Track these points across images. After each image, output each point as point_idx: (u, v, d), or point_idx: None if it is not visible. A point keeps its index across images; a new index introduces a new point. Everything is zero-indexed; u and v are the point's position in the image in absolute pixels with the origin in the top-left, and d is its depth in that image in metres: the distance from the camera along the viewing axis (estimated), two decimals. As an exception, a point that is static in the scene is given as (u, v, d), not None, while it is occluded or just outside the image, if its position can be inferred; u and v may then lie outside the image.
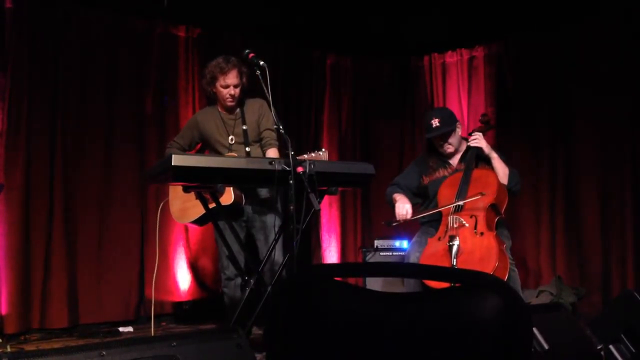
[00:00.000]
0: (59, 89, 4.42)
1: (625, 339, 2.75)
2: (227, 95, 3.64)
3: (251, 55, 3.18)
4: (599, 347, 2.66)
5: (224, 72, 3.60)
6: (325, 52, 5.87)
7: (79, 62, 4.52)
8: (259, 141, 3.74)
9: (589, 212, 4.86)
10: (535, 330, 2.33)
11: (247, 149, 3.67)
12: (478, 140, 3.71)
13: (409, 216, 3.61)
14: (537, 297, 4.66)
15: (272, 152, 3.66)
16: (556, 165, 5.05)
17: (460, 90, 5.69)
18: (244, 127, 3.69)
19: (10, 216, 4.17)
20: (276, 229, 3.53)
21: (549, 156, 5.09)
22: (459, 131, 3.84)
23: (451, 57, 5.78)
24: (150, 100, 4.85)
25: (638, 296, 2.85)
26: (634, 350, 2.72)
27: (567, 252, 4.96)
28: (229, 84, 3.61)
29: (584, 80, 4.89)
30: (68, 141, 4.45)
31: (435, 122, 3.73)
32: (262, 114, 3.72)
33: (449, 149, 3.80)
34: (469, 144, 3.73)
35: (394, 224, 3.67)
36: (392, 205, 3.79)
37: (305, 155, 3.18)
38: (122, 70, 4.72)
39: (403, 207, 3.63)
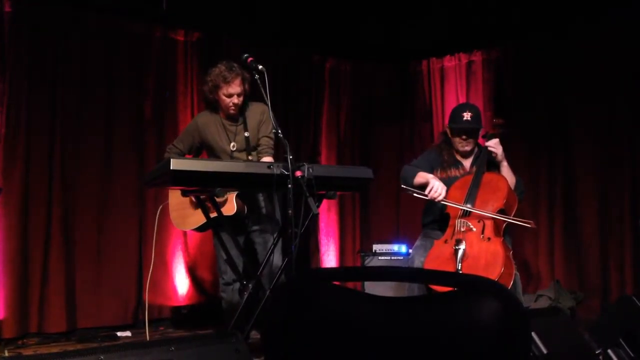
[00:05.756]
0: (57, 93, 4.42)
1: (624, 344, 2.74)
2: (231, 104, 3.60)
3: (250, 59, 3.17)
4: (597, 352, 2.66)
5: (227, 82, 3.55)
6: (325, 56, 5.88)
7: (77, 66, 4.52)
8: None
9: (587, 217, 4.86)
10: (534, 334, 2.33)
11: (250, 157, 3.66)
12: (496, 144, 3.64)
13: (440, 198, 3.46)
14: (535, 301, 4.66)
15: (268, 160, 3.61)
16: (554, 171, 5.05)
17: (458, 94, 5.69)
18: (246, 134, 3.66)
19: (8, 220, 4.17)
20: (274, 234, 3.53)
21: (547, 161, 5.10)
22: (479, 134, 3.82)
23: (450, 62, 5.79)
24: (149, 104, 4.85)
25: (637, 301, 2.86)
26: (632, 355, 2.72)
27: (565, 257, 4.96)
28: (232, 93, 3.58)
29: (582, 85, 4.90)
30: (67, 145, 4.45)
31: (467, 115, 3.65)
32: (262, 120, 3.68)
33: (468, 147, 3.72)
34: (489, 148, 3.64)
35: (415, 195, 3.55)
36: (409, 180, 3.64)
37: None
38: (121, 74, 4.72)
39: (442, 187, 3.48)
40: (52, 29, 4.41)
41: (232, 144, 3.67)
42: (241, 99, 3.61)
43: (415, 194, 3.56)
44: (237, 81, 3.56)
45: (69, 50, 4.48)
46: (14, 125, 4.22)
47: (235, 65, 3.55)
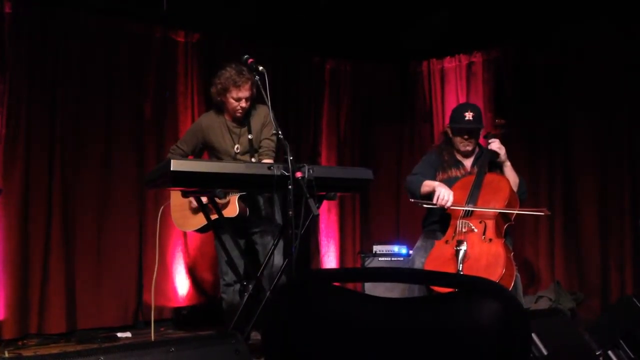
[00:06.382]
0: (57, 93, 4.42)
1: (624, 345, 2.74)
2: (238, 108, 3.63)
3: (250, 60, 3.18)
4: (597, 353, 2.65)
5: (238, 86, 3.57)
6: (325, 57, 5.88)
7: (77, 67, 4.52)
8: None
9: (587, 218, 4.86)
10: (534, 335, 2.32)
11: (253, 159, 3.67)
12: (499, 145, 3.64)
13: (449, 204, 3.46)
14: (535, 302, 4.66)
15: (268, 162, 3.59)
16: (554, 171, 5.05)
17: (458, 95, 5.69)
18: (250, 137, 3.69)
19: (9, 221, 4.17)
20: (275, 236, 3.53)
21: (547, 161, 5.10)
22: (481, 134, 3.81)
23: (450, 63, 5.79)
24: (149, 104, 4.85)
25: (637, 302, 2.85)
26: (632, 356, 2.72)
27: (565, 258, 4.96)
28: (241, 97, 3.60)
29: (582, 85, 4.90)
30: (67, 145, 4.45)
31: (468, 115, 3.65)
32: (265, 123, 3.70)
33: (469, 146, 3.72)
34: (490, 147, 3.64)
35: (426, 206, 3.56)
36: (416, 192, 3.66)
37: None
38: (121, 75, 4.72)
39: (448, 193, 3.47)
40: (52, 29, 4.41)
41: (236, 146, 3.68)
42: (249, 103, 3.64)
43: (425, 205, 3.57)
44: (247, 86, 3.58)
45: (69, 50, 4.48)
46: (14, 125, 4.22)
47: (245, 69, 3.55)
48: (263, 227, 3.68)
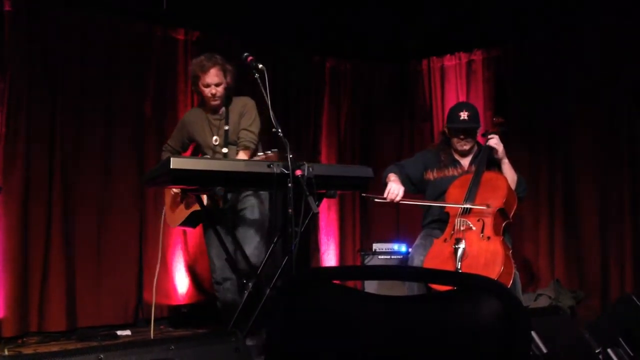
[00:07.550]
0: (57, 92, 4.42)
1: (623, 343, 2.75)
2: (209, 94, 3.53)
3: (250, 58, 3.16)
4: (597, 351, 2.66)
5: (204, 71, 3.49)
6: (325, 56, 5.88)
7: (78, 65, 4.52)
8: None
9: (587, 216, 4.86)
10: (534, 333, 2.33)
11: (224, 150, 3.57)
12: (497, 142, 3.64)
13: (397, 199, 3.49)
14: (535, 300, 4.66)
15: (242, 154, 3.51)
16: (554, 170, 5.05)
17: (458, 94, 5.69)
18: (226, 128, 3.60)
19: (9, 219, 4.17)
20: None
21: (547, 161, 5.10)
22: (478, 132, 3.82)
23: (450, 61, 5.78)
24: (149, 104, 4.85)
25: (637, 300, 2.86)
26: (632, 354, 2.73)
27: (565, 256, 4.96)
28: (209, 83, 3.50)
29: (582, 84, 4.90)
30: (67, 145, 4.45)
31: (464, 115, 3.67)
32: (243, 113, 3.60)
33: (466, 145, 3.72)
34: (489, 143, 3.63)
35: (377, 200, 3.56)
36: (383, 180, 3.69)
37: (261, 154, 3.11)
38: (121, 73, 4.72)
39: (398, 188, 3.50)
40: (52, 28, 4.40)
41: (214, 138, 3.61)
42: (219, 89, 3.54)
43: (376, 200, 3.57)
44: (214, 70, 3.50)
45: (69, 49, 4.47)
46: (14, 125, 4.22)
47: (218, 56, 3.51)
48: (243, 221, 3.59)
